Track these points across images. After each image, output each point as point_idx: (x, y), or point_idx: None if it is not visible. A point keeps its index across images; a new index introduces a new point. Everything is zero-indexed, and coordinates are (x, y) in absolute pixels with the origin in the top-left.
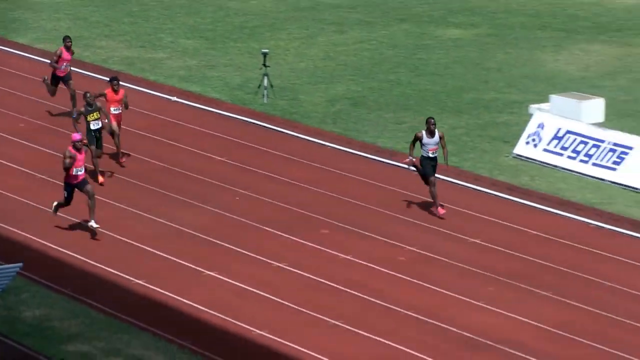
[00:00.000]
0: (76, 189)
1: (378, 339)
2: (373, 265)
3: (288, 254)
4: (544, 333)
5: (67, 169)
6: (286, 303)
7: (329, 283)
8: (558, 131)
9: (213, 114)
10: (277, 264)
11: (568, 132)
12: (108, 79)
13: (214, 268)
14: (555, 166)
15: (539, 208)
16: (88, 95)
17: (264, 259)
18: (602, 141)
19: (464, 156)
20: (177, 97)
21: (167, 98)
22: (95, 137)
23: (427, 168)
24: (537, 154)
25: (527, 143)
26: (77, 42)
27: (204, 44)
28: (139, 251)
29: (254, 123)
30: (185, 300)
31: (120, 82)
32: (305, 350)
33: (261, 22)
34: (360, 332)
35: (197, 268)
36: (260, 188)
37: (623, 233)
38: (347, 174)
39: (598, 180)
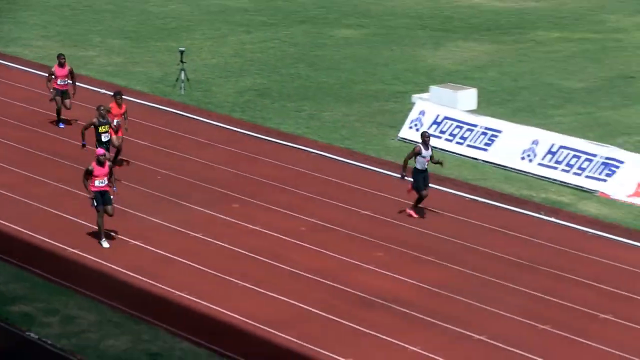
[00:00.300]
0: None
1: (284, 298)
2: (278, 235)
3: (204, 226)
4: (427, 292)
5: (86, 177)
6: (204, 268)
7: (241, 250)
8: (437, 117)
9: (137, 104)
10: (195, 234)
11: (446, 118)
12: (112, 93)
13: (140, 238)
14: (435, 147)
15: None
16: (102, 108)
17: (184, 230)
18: (475, 126)
19: (356, 139)
20: (105, 90)
21: (96, 90)
22: (105, 148)
23: (419, 181)
24: (419, 137)
25: (410, 127)
26: (17, 42)
27: (128, 43)
28: (74, 224)
29: (172, 112)
30: (115, 267)
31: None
32: (221, 310)
33: (178, 24)
34: (268, 293)
35: (125, 238)
36: (179, 168)
37: (494, 205)
38: (255, 156)
39: (472, 159)
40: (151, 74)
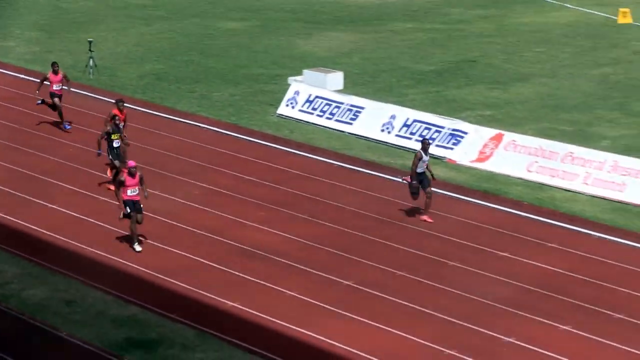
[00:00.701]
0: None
1: (179, 252)
2: (174, 198)
3: (111, 191)
4: (302, 245)
5: (119, 188)
6: (111, 227)
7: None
8: (310, 96)
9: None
10: (103, 198)
11: (317, 97)
12: (114, 100)
13: (55, 202)
14: (308, 122)
15: (297, 153)
16: (117, 118)
17: (93, 195)
18: (342, 103)
19: (241, 116)
20: (24, 75)
21: (17, 76)
22: (116, 154)
23: (423, 181)
24: (295, 114)
25: (287, 105)
26: None
27: (44, 35)
28: None
29: (83, 94)
30: (33, 227)
31: None
32: (127, 262)
33: (87, 19)
34: (166, 247)
35: (42, 202)
36: (89, 141)
37: (359, 170)
38: (154, 130)
39: (340, 132)
40: (64, 61)
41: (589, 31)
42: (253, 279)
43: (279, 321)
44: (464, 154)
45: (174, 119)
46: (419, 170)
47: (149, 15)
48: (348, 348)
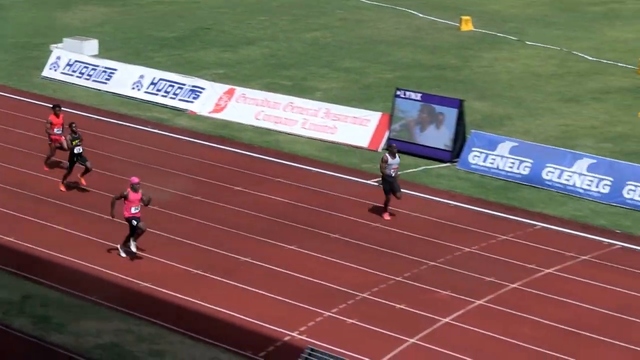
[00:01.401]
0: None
1: None
2: None
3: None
4: (71, 188)
5: (119, 198)
6: None
7: None
8: (70, 61)
9: None
10: None
11: (76, 61)
12: (51, 105)
13: None
14: (69, 83)
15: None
16: (74, 125)
17: None
18: (98, 66)
19: (10, 78)
20: None
21: None
22: (77, 158)
23: (388, 185)
24: (58, 76)
25: (50, 69)
26: None
27: None
28: None
29: None
30: None
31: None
32: None
33: None
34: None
35: None
36: None
37: (113, 122)
38: None
39: (97, 90)
40: None
41: (302, 2)
42: (29, 218)
43: (47, 251)
44: (202, 106)
45: None
46: (387, 172)
47: None
48: (109, 271)
